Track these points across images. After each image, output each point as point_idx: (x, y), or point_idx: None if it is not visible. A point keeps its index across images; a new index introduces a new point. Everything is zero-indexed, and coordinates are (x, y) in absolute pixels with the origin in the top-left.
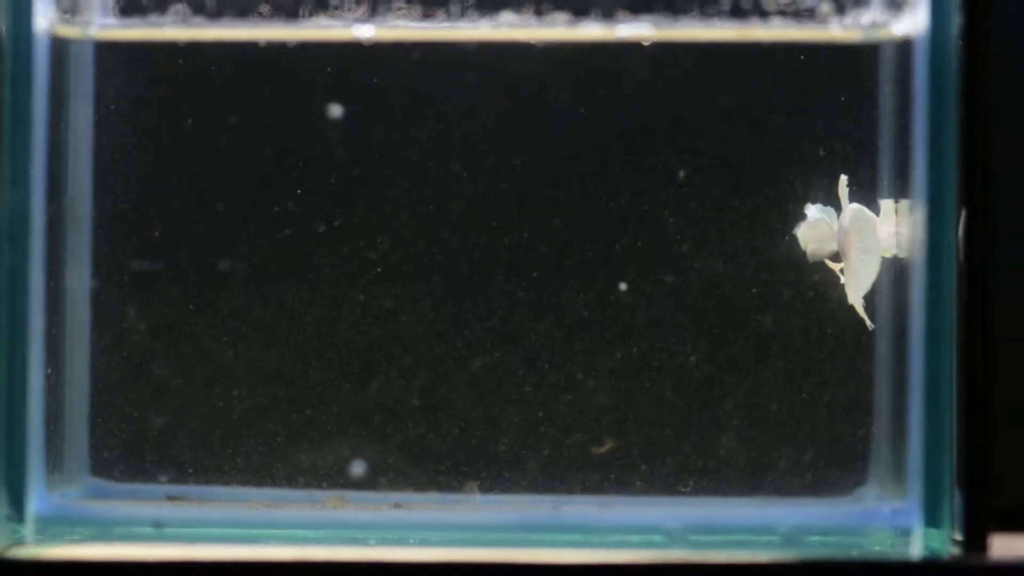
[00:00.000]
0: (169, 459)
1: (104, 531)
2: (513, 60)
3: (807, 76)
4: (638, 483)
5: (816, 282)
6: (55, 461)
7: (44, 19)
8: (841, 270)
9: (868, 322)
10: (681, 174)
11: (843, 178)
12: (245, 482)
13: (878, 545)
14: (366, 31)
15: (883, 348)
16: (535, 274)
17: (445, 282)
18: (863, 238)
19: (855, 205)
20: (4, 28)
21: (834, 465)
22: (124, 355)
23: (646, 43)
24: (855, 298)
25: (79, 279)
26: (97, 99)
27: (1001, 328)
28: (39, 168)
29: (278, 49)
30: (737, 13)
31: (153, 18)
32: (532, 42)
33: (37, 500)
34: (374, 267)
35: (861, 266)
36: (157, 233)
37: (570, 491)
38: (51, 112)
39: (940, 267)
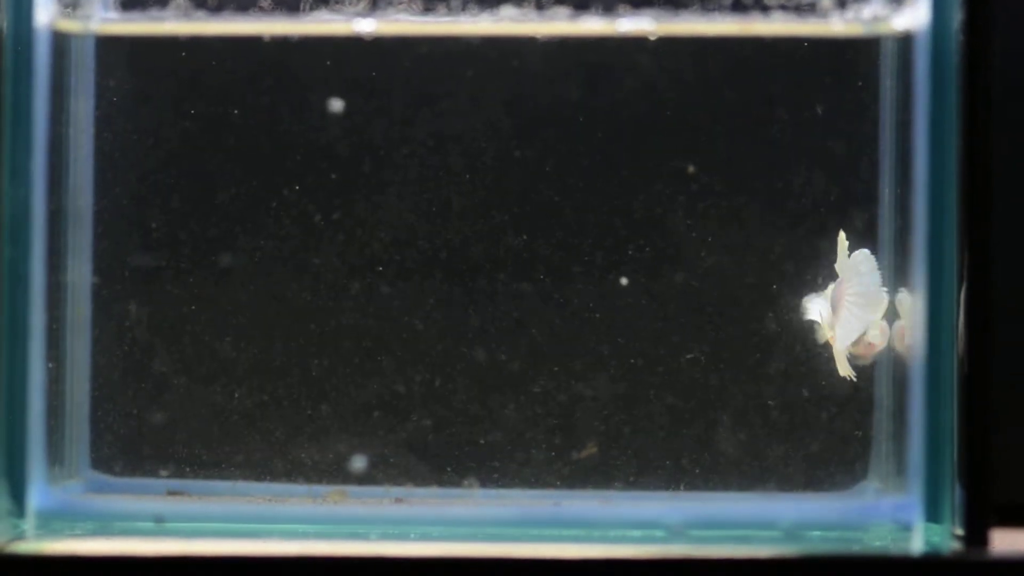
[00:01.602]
0: (170, 454)
1: (105, 526)
2: (514, 54)
3: (807, 70)
4: (639, 478)
5: (817, 279)
6: (56, 455)
7: (45, 13)
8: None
9: (851, 375)
10: (690, 168)
11: (841, 235)
12: (246, 477)
13: (879, 540)
14: (367, 25)
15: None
16: (537, 269)
17: (447, 277)
18: (860, 282)
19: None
20: (5, 22)
21: (835, 460)
22: (125, 349)
23: (652, 37)
24: (840, 346)
25: (80, 273)
26: (98, 94)
27: (1002, 321)
28: (40, 163)
29: (279, 43)
30: (738, 7)
31: (154, 12)
32: (534, 36)
33: (38, 495)
34: (376, 262)
35: (854, 312)
36: (158, 228)
37: (571, 486)
38: (52, 106)
39: (941, 261)
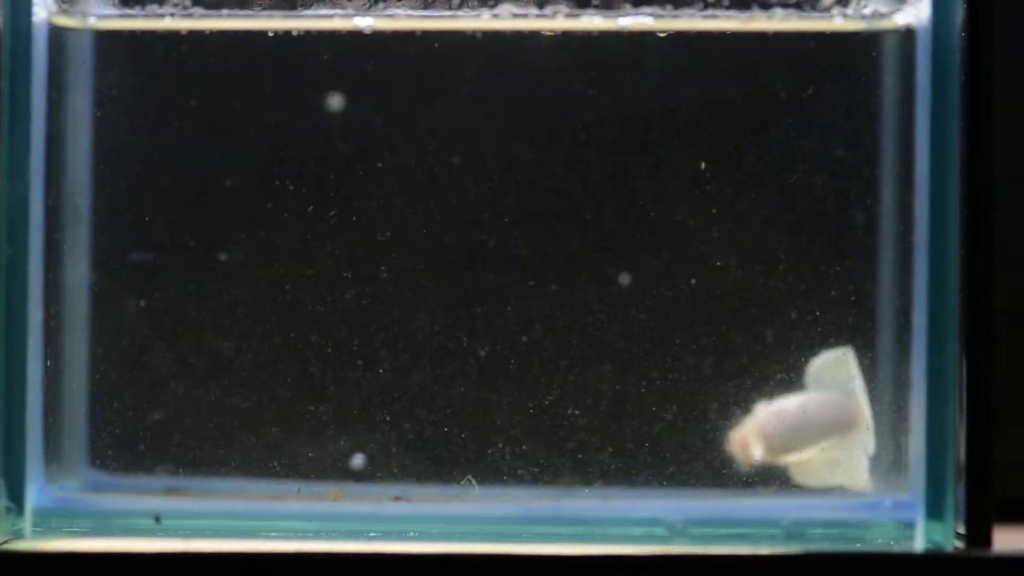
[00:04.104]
0: (168, 452)
1: (103, 524)
2: (514, 50)
3: (809, 66)
4: (640, 476)
5: (816, 275)
6: (54, 454)
7: (43, 9)
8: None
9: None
10: (702, 165)
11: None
12: (244, 475)
13: (881, 538)
14: (366, 21)
15: (886, 340)
16: (535, 266)
17: (446, 274)
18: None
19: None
20: (3, 18)
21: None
22: (123, 347)
23: (661, 34)
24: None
25: (78, 271)
26: (96, 89)
27: (1004, 319)
28: (38, 159)
29: (278, 39)
30: (739, 3)
31: (152, 8)
32: (534, 32)
33: (36, 493)
34: (375, 259)
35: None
36: (156, 224)
37: (571, 484)
38: (50, 103)
39: (943, 258)
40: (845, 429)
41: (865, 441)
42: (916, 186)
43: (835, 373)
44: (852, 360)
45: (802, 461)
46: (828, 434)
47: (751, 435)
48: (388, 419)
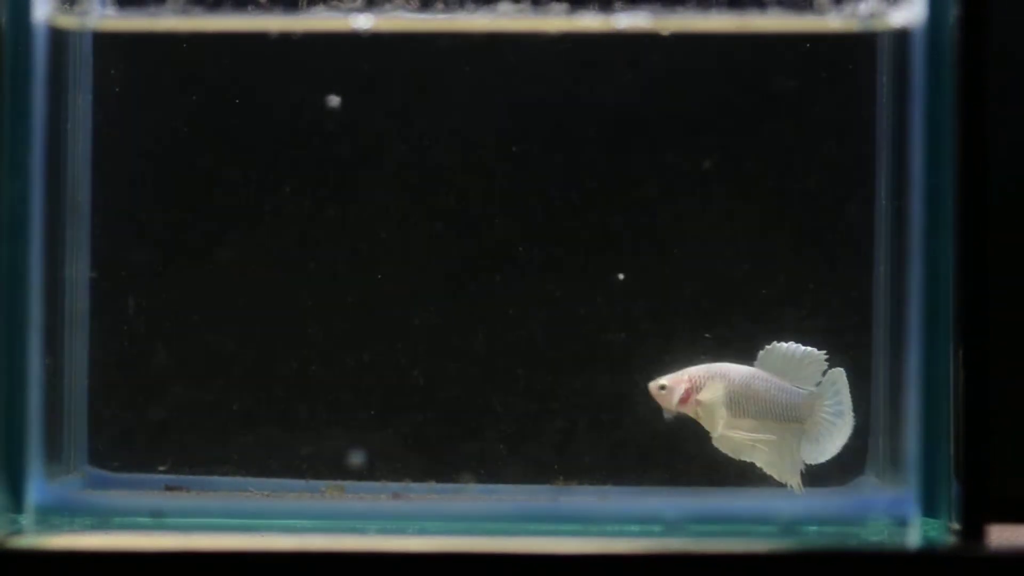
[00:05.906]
0: (168, 449)
1: (103, 521)
2: (512, 50)
3: (803, 66)
4: (636, 473)
5: (811, 275)
6: (54, 451)
7: (42, 9)
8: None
9: (799, 488)
10: (706, 163)
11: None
12: (244, 472)
13: (875, 535)
14: (364, 21)
15: (880, 336)
16: (534, 264)
17: (444, 273)
18: (839, 400)
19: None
20: (3, 18)
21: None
22: (123, 345)
23: (665, 33)
24: (810, 459)
25: (78, 269)
26: (96, 90)
27: (998, 314)
28: (38, 159)
29: (277, 39)
30: (734, 3)
31: (152, 8)
32: (532, 32)
33: (36, 490)
34: (373, 258)
35: (831, 431)
36: (156, 224)
37: (569, 481)
38: (50, 103)
39: (937, 257)
40: (783, 419)
41: (810, 449)
42: (911, 185)
43: (798, 369)
44: (841, 377)
45: (727, 433)
46: (763, 416)
47: (693, 392)
48: (387, 416)
